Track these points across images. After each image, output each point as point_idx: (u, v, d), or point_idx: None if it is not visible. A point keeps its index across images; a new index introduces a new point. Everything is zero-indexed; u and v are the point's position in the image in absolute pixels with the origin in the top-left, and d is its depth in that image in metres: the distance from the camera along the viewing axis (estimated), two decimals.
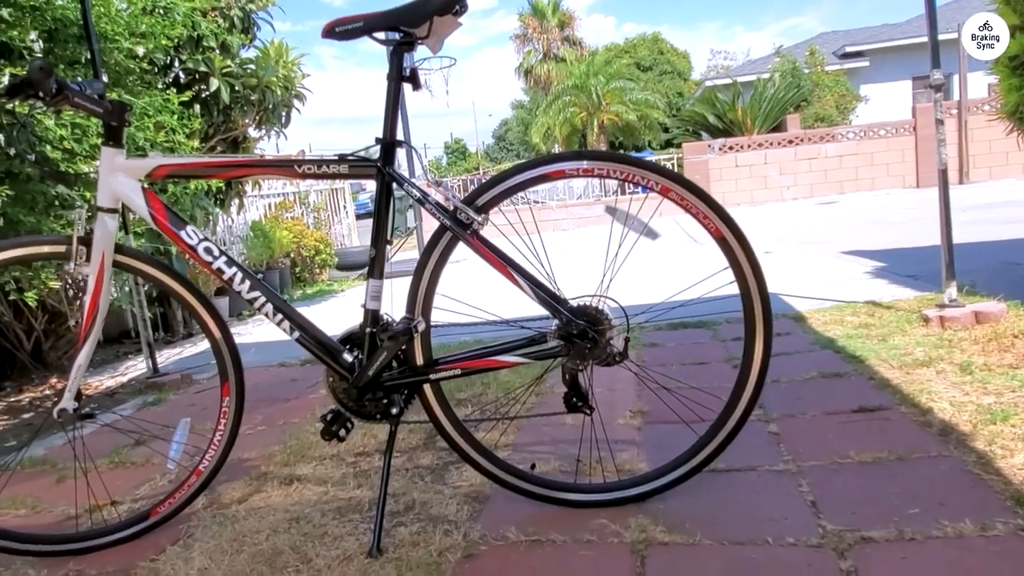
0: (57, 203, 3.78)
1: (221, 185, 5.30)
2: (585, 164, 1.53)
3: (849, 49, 19.14)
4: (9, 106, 3.16)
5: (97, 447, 2.62)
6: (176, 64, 5.29)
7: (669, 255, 6.09)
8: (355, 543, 1.59)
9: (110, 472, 2.42)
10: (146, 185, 1.65)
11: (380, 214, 1.60)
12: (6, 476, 2.31)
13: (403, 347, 1.62)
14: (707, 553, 1.41)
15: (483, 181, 1.60)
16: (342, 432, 1.75)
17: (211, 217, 5.78)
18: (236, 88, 5.37)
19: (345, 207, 10.99)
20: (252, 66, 5.57)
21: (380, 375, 1.61)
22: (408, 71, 1.58)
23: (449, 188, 1.60)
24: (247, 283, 1.64)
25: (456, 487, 1.85)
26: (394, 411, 1.62)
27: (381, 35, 1.55)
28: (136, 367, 4.39)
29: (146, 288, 4.08)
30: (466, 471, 1.94)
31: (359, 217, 12.91)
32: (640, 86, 21.02)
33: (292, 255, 7.93)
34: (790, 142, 13.52)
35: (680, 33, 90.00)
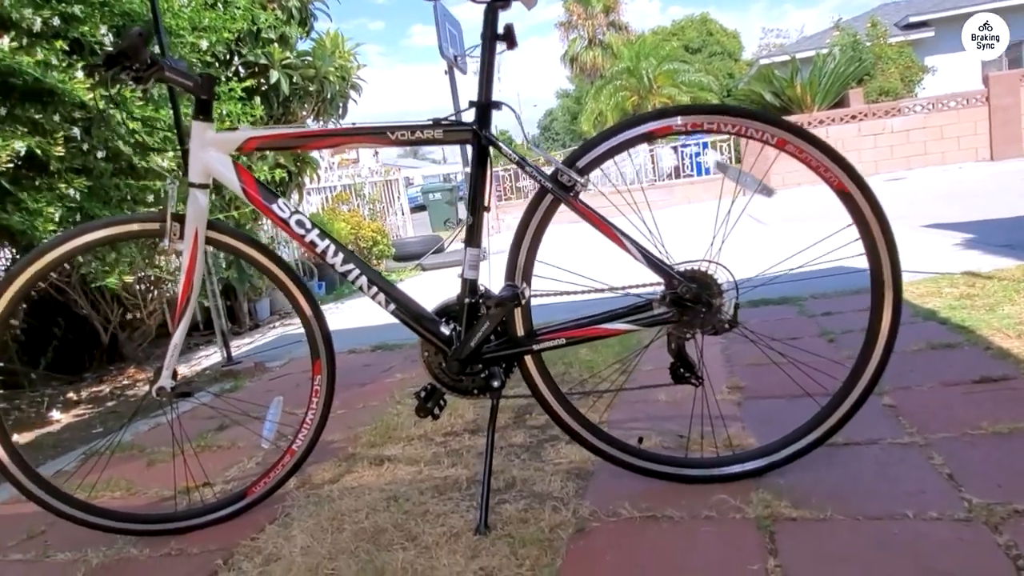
0: (129, 198, 3.85)
1: (284, 175, 5.34)
2: (693, 118, 1.44)
3: (912, 19, 18.33)
4: (89, 96, 3.21)
5: (180, 433, 2.64)
6: (236, 59, 5.34)
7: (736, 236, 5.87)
8: (460, 520, 1.54)
9: (198, 454, 2.43)
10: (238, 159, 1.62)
11: (477, 180, 1.54)
12: (102, 460, 2.33)
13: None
14: (843, 529, 1.31)
15: (583, 142, 1.52)
16: (436, 409, 1.71)
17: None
18: (295, 80, 5.39)
19: (399, 198, 11.04)
20: (309, 57, 5.59)
21: (481, 347, 1.54)
22: (504, 30, 1.51)
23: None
24: (340, 255, 1.60)
25: (556, 464, 1.78)
26: (495, 384, 1.56)
27: None
28: (208, 357, 4.46)
29: (218, 278, 4.12)
30: (563, 448, 1.88)
31: (413, 211, 12.97)
32: (693, 68, 20.54)
33: (350, 246, 7.98)
34: (853, 117, 13.03)
35: (728, 14, 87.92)
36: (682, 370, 1.58)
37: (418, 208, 16.97)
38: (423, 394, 1.70)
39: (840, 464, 1.57)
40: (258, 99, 5.08)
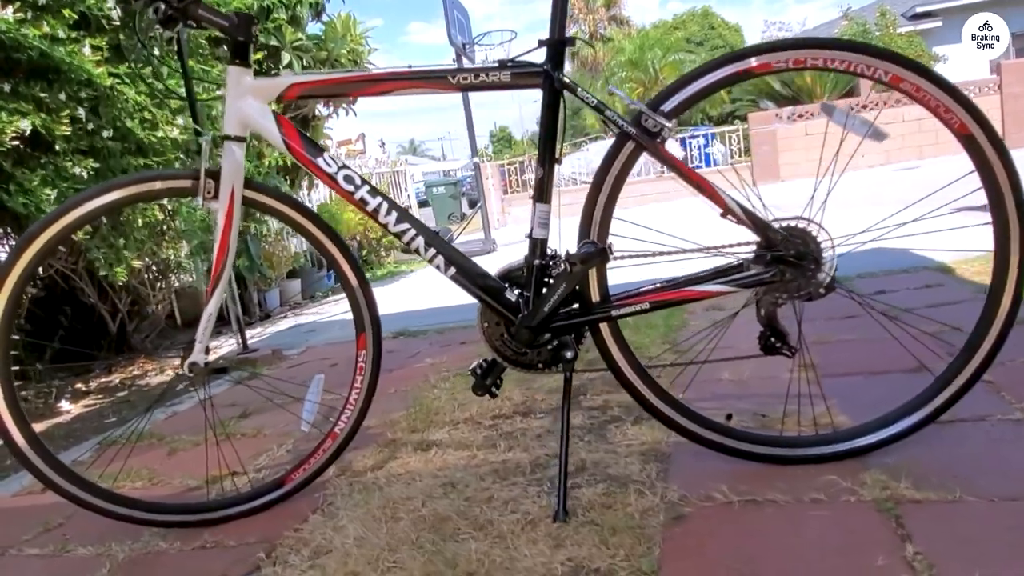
0: None
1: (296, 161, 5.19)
2: (797, 54, 1.28)
3: (919, 9, 18.16)
4: (98, 72, 3.03)
5: (199, 422, 2.48)
6: None
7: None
8: (533, 506, 1.38)
9: (221, 443, 2.27)
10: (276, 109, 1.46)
11: (549, 128, 1.38)
12: (121, 449, 2.17)
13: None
14: (981, 512, 1.15)
15: (667, 86, 1.36)
16: (495, 387, 1.56)
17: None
18: (306, 62, 5.23)
19: (406, 190, 10.87)
20: (321, 40, 5.43)
21: (555, 313, 1.39)
22: None
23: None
24: (394, 215, 1.44)
25: (627, 445, 1.62)
26: (569, 355, 1.40)
27: None
28: (222, 346, 4.29)
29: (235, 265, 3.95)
30: (629, 429, 1.72)
31: (420, 205, 12.80)
32: (699, 58, 20.33)
33: (359, 237, 7.82)
34: (864, 107, 12.86)
35: (729, 8, 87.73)
36: (773, 340, 1.42)
37: (421, 204, 16.81)
38: (479, 370, 1.55)
39: (950, 443, 1.41)
40: None
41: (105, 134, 3.36)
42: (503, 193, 14.76)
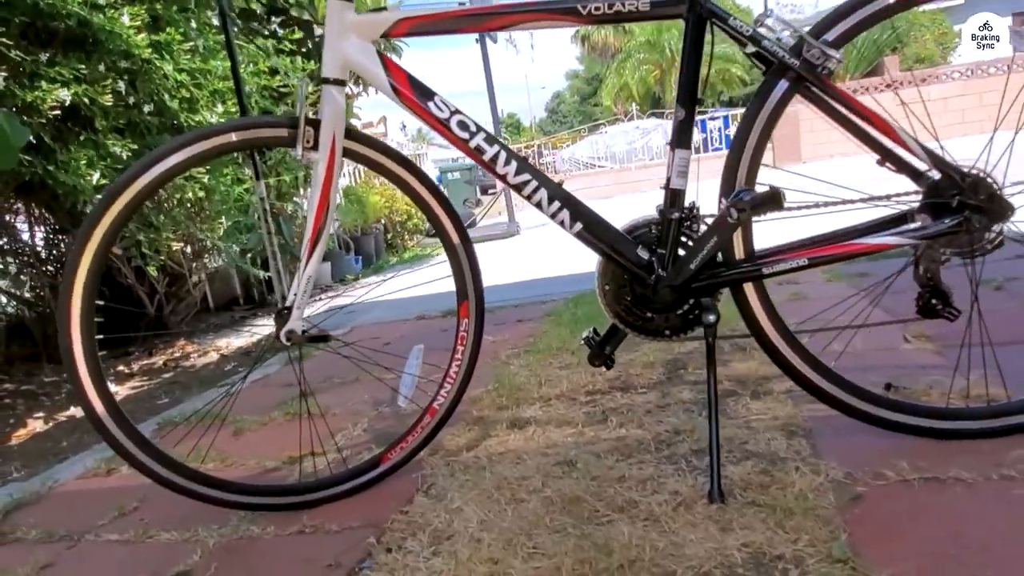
0: None
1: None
2: None
3: None
4: (140, 37, 2.89)
5: (259, 402, 2.37)
6: (272, 18, 5.02)
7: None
8: (679, 485, 1.24)
9: (289, 424, 2.15)
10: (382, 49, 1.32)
11: (691, 64, 1.23)
12: (183, 429, 2.05)
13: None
14: None
15: (829, 13, 1.21)
16: (611, 358, 1.43)
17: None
18: None
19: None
20: None
21: (702, 271, 1.24)
22: None
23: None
24: (513, 164, 1.30)
25: (758, 420, 1.49)
26: (711, 319, 1.26)
27: None
28: (260, 329, 4.17)
29: (275, 242, 3.81)
30: (751, 403, 1.59)
31: None
32: (720, 38, 19.92)
33: (383, 220, 7.68)
34: (888, 86, 12.61)
35: None
36: (934, 301, 1.28)
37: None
38: (596, 338, 1.42)
39: None
40: (299, 60, 4.78)
41: (146, 108, 3.23)
42: None
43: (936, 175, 1.22)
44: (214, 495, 1.45)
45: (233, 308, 5.25)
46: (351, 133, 1.36)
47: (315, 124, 1.30)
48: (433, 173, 11.89)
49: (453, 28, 1.31)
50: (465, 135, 1.30)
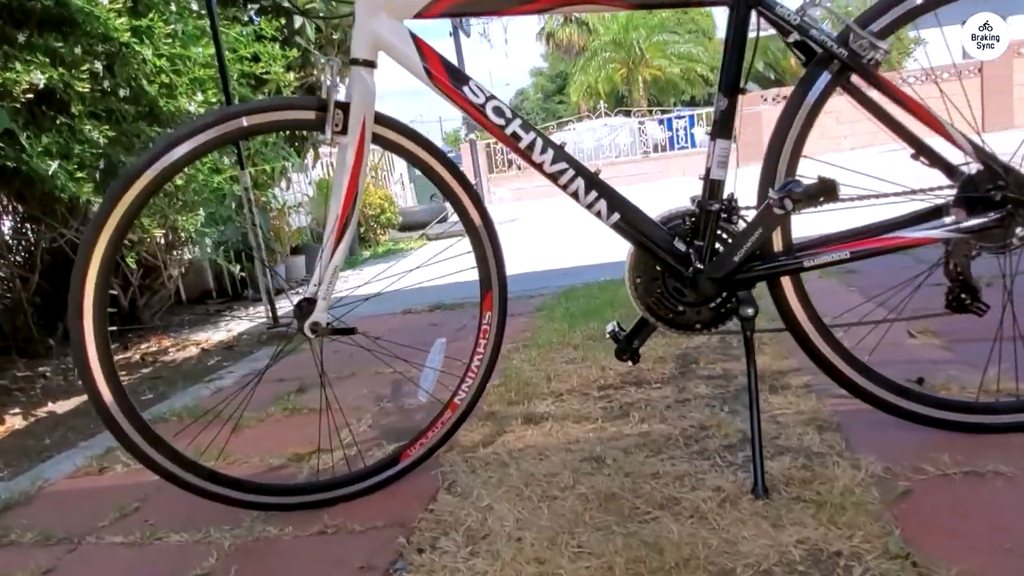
0: (150, 145, 3.42)
1: (304, 133, 4.93)
2: None
3: None
4: (120, 21, 2.78)
5: (253, 397, 2.29)
6: (248, 5, 4.88)
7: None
8: (719, 481, 1.23)
9: (288, 420, 2.09)
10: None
11: (734, 53, 1.22)
12: (179, 426, 1.97)
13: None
14: None
15: (875, 4, 1.20)
16: (638, 353, 1.40)
17: (291, 166, 5.42)
18: (319, 27, 4.96)
19: (396, 167, 10.60)
20: (333, 2, 5.14)
21: (745, 263, 1.23)
22: None
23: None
24: (550, 152, 1.26)
25: (783, 414, 1.48)
26: (750, 312, 1.25)
27: None
28: (240, 323, 4.07)
29: (260, 234, 3.71)
30: (771, 397, 1.59)
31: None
32: (683, 39, 20.21)
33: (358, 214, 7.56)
34: None
35: None
36: (963, 296, 1.28)
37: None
38: (622, 332, 1.39)
39: None
40: (277, 48, 4.66)
41: (122, 93, 3.10)
42: (488, 172, 14.57)
43: (972, 170, 1.22)
44: (229, 494, 1.39)
45: (207, 301, 5.11)
46: (379, 117, 1.31)
47: (344, 107, 1.25)
48: (401, 167, 11.78)
49: (494, 9, 1.27)
50: (501, 121, 1.26)
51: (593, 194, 1.27)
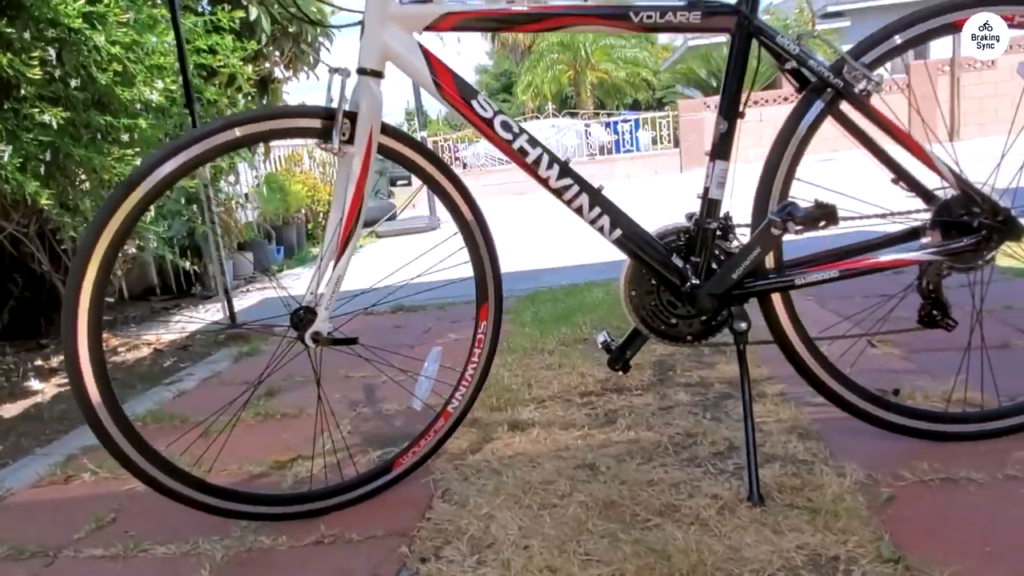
0: (100, 136, 3.29)
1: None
2: (1015, 9, 1.21)
3: (830, 9, 19.00)
4: (70, 8, 2.67)
5: (218, 402, 2.24)
6: None
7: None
8: (716, 489, 1.28)
9: (261, 425, 2.05)
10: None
11: (734, 78, 1.27)
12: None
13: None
14: None
15: (869, 36, 1.27)
16: (629, 363, 1.45)
17: (241, 162, 5.29)
18: (275, 19, 4.85)
19: None
20: None
21: (743, 280, 1.28)
22: None
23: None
24: (556, 168, 1.29)
25: (764, 422, 1.54)
26: (743, 326, 1.31)
27: None
28: (192, 321, 3.95)
29: (217, 230, 3.60)
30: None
31: None
32: (629, 43, 20.52)
33: (305, 211, 7.43)
34: (784, 99, 13.35)
35: None
36: (935, 312, 1.37)
37: None
38: (614, 343, 1.43)
39: None
40: (229, 39, 4.54)
41: (72, 83, 2.97)
42: None
43: (948, 195, 1.30)
44: (221, 506, 1.36)
45: (150, 298, 4.94)
46: (385, 128, 1.31)
47: (352, 117, 1.25)
48: None
49: (501, 27, 1.28)
50: (508, 136, 1.28)
51: (597, 210, 1.30)
